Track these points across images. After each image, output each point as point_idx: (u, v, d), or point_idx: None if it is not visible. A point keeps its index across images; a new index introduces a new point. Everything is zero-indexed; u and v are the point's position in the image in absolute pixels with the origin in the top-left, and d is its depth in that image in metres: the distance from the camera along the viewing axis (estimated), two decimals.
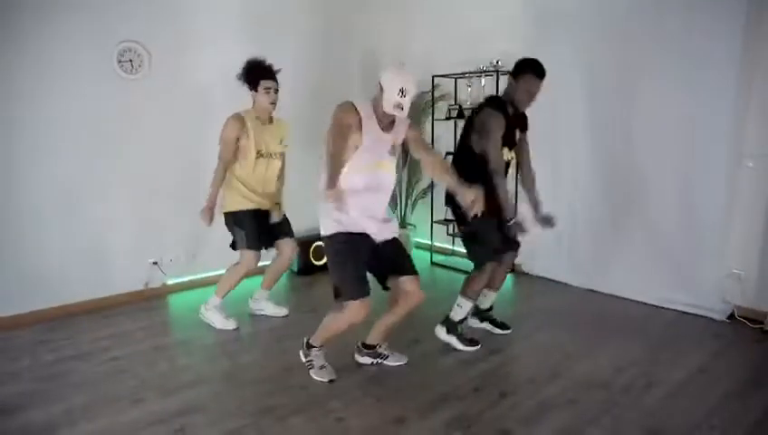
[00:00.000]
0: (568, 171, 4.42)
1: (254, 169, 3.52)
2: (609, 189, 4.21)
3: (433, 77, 4.83)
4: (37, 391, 2.80)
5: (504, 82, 4.42)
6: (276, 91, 3.47)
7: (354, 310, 2.60)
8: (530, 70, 3.06)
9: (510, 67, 4.41)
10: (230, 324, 3.57)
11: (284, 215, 3.76)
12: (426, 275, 4.75)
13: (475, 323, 3.61)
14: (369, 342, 3.03)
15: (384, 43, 5.38)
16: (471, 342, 3.26)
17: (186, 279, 4.45)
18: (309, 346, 2.92)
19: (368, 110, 2.66)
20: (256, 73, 3.42)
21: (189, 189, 4.01)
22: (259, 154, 3.50)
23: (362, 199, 2.65)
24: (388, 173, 2.75)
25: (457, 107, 4.80)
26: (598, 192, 4.27)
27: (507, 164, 3.25)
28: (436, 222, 5.06)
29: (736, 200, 3.68)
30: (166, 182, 4.21)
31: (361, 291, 2.60)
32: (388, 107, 2.55)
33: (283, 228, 3.73)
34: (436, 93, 4.98)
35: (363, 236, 2.69)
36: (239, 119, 3.44)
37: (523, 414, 2.56)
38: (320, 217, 2.73)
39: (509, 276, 4.54)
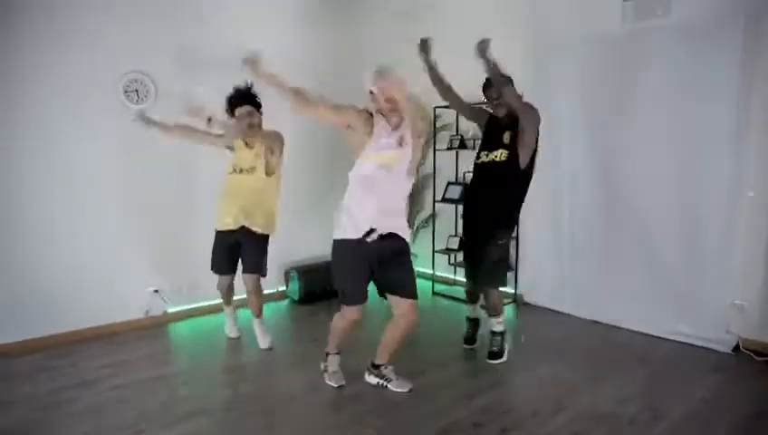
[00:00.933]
0: (568, 201, 4.46)
1: (230, 185, 3.66)
2: (610, 220, 4.24)
3: (435, 108, 4.91)
4: (37, 420, 2.80)
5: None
6: (251, 113, 3.54)
7: (349, 312, 2.97)
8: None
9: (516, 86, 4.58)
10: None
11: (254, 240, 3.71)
12: (427, 305, 4.77)
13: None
14: (376, 362, 3.15)
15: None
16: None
17: (187, 307, 4.46)
18: (326, 354, 3.21)
19: (379, 119, 2.83)
20: (232, 102, 3.57)
21: (192, 217, 4.07)
22: (234, 170, 3.63)
23: (374, 186, 2.81)
24: (397, 163, 2.82)
25: (459, 137, 4.88)
26: (599, 223, 4.31)
27: (490, 164, 3.39)
28: (437, 251, 5.09)
29: (738, 230, 3.69)
30: (169, 210, 4.27)
31: (357, 300, 2.93)
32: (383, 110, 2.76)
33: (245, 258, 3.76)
34: (438, 124, 5.05)
35: (367, 244, 2.82)
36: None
37: None
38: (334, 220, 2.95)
39: (511, 307, 4.62)
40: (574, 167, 4.40)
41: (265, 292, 3.88)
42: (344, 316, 3.01)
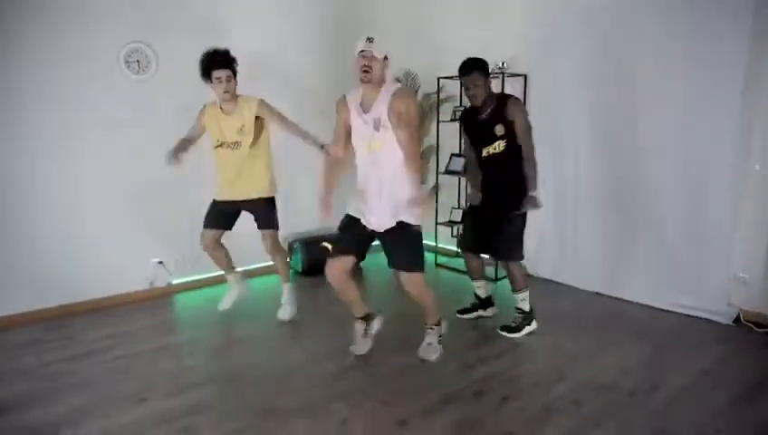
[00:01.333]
0: (571, 174, 4.34)
1: (219, 160, 3.52)
2: (612, 192, 4.13)
3: (438, 79, 4.76)
4: (40, 389, 2.76)
5: (509, 83, 4.39)
6: (229, 78, 3.29)
7: (327, 266, 2.94)
8: (459, 71, 3.30)
9: (516, 69, 4.44)
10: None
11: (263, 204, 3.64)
12: (430, 276, 4.69)
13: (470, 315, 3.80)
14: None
15: (389, 45, 5.29)
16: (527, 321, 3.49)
17: (191, 279, 4.40)
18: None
19: (355, 97, 2.83)
20: (206, 65, 3.29)
21: (195, 188, 3.97)
22: (219, 144, 3.46)
23: (361, 175, 2.91)
24: (379, 151, 2.77)
25: (462, 108, 4.72)
26: (602, 195, 4.20)
27: (492, 157, 3.32)
28: (440, 224, 5.00)
29: (743, 203, 3.58)
30: (172, 181, 4.15)
31: (333, 256, 2.94)
32: (359, 78, 2.69)
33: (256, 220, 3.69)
34: (442, 95, 4.91)
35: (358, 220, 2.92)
36: (201, 109, 3.49)
37: (527, 417, 2.50)
38: None
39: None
40: (576, 139, 4.27)
41: (271, 263, 3.82)
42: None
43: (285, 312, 3.73)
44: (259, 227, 3.64)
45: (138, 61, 3.95)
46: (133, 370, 2.98)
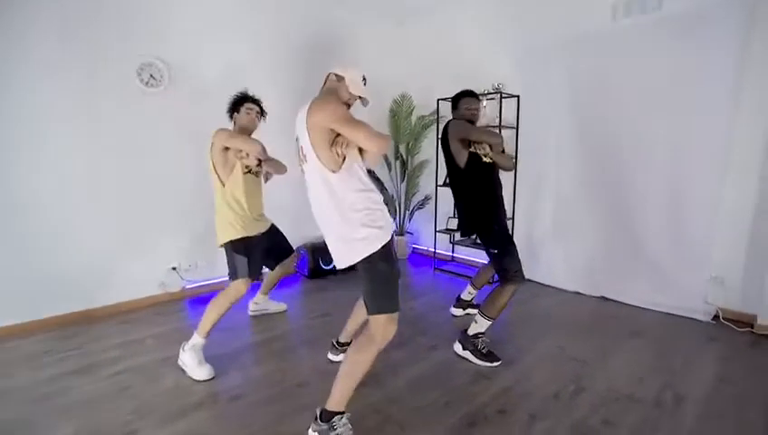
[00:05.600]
0: (562, 185, 3.68)
1: (245, 187, 2.51)
2: (599, 199, 3.46)
3: (438, 100, 4.09)
4: (24, 416, 1.95)
5: (506, 104, 3.73)
6: (258, 115, 2.60)
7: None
8: (462, 96, 2.61)
9: (512, 90, 3.77)
10: (204, 372, 2.24)
11: (278, 230, 2.86)
12: (429, 281, 3.99)
13: (458, 312, 3.12)
14: (342, 340, 2.40)
15: (387, 68, 4.62)
16: (489, 356, 2.44)
17: (204, 283, 3.60)
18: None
19: None
20: (240, 100, 2.59)
21: (207, 196, 3.21)
22: (248, 170, 2.54)
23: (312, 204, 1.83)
24: (311, 184, 1.77)
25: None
26: (588, 202, 3.53)
27: (490, 166, 2.55)
28: (438, 231, 4.28)
29: (721, 205, 2.96)
30: (185, 190, 3.40)
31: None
32: (356, 90, 1.79)
33: (285, 245, 2.91)
34: (441, 114, 4.23)
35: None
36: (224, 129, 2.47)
37: None
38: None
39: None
40: (565, 152, 3.61)
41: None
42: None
43: (280, 305, 3.12)
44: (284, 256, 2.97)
45: (151, 75, 3.18)
46: (133, 387, 2.17)
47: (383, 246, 1.68)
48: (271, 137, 2.76)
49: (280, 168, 2.63)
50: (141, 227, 3.25)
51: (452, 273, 4.16)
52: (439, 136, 2.81)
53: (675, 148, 3.04)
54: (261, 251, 2.60)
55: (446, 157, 2.57)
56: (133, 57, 3.10)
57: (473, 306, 3.10)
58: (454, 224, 4.04)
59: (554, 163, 3.68)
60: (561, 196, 3.67)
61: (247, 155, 2.43)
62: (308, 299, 3.49)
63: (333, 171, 1.65)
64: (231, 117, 2.60)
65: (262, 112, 2.66)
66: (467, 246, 4.02)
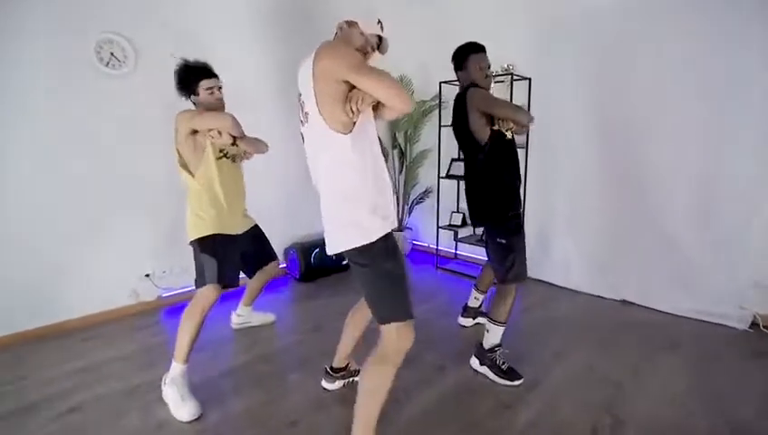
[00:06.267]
0: (579, 178, 3.32)
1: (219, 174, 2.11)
2: (620, 193, 3.12)
3: (440, 83, 3.69)
4: None
5: (517, 87, 3.35)
6: (220, 89, 2.12)
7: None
8: (470, 51, 2.13)
9: (523, 72, 3.39)
10: (187, 412, 1.86)
11: (262, 232, 2.46)
12: (432, 281, 3.65)
13: (467, 322, 2.75)
14: (336, 365, 2.03)
15: (390, 49, 4.19)
16: (509, 374, 2.12)
17: (182, 290, 3.20)
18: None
19: None
20: (192, 76, 2.07)
21: (182, 196, 2.83)
22: (223, 153, 2.13)
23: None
24: (309, 145, 1.49)
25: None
26: (609, 196, 3.18)
27: (512, 142, 2.14)
28: (441, 227, 3.92)
29: (758, 205, 2.62)
30: (157, 187, 3.00)
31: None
32: (372, 28, 1.47)
33: (267, 250, 2.49)
34: (444, 100, 3.84)
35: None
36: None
37: None
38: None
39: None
40: (582, 142, 3.25)
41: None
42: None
43: (267, 316, 2.72)
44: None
45: (112, 53, 2.75)
46: (87, 430, 1.80)
47: (385, 238, 1.39)
48: (245, 115, 2.33)
49: (260, 145, 2.19)
50: (107, 230, 2.85)
51: (456, 272, 3.81)
52: (450, 107, 2.37)
53: (708, 133, 2.70)
54: (237, 254, 2.21)
55: (459, 132, 2.17)
56: (92, 32, 2.66)
57: (482, 314, 2.77)
58: (458, 219, 3.70)
59: (569, 151, 3.32)
60: (577, 187, 3.32)
61: (220, 134, 2.02)
62: (298, 307, 3.13)
63: (342, 134, 1.35)
64: (188, 98, 2.11)
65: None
66: (472, 243, 3.67)
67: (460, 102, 2.13)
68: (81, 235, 2.75)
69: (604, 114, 3.11)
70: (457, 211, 3.84)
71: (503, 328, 2.16)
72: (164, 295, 3.14)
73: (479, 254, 4.06)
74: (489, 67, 2.14)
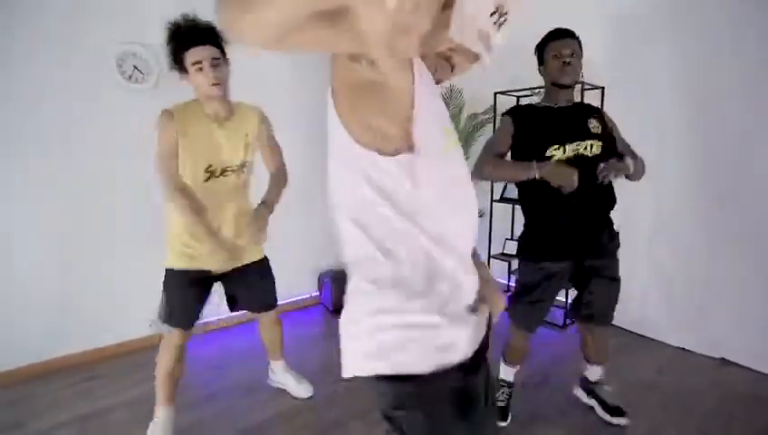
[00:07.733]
0: (653, 194, 2.78)
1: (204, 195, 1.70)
2: (710, 215, 2.54)
3: (495, 94, 3.26)
4: None
5: (587, 98, 2.84)
6: (217, 60, 1.56)
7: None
8: (548, 39, 1.78)
9: (590, 79, 2.89)
10: None
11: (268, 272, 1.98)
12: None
13: (582, 395, 2.12)
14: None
15: None
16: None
17: (210, 318, 2.92)
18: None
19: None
20: (178, 44, 1.54)
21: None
22: (209, 172, 1.69)
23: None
24: None
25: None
26: (697, 219, 2.60)
27: (578, 161, 1.67)
28: (493, 257, 3.41)
29: None
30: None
31: None
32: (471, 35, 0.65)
33: (263, 297, 2.01)
34: (489, 114, 3.40)
35: None
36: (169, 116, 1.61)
37: None
38: None
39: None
40: (659, 151, 2.71)
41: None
42: None
43: (304, 387, 2.20)
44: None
45: (135, 66, 2.56)
46: None
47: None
48: (278, 134, 2.02)
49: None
50: (125, 252, 2.64)
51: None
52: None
53: None
54: (198, 295, 1.77)
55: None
56: (112, 44, 2.47)
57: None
58: (512, 247, 3.21)
59: (653, 173, 2.75)
60: (662, 217, 2.76)
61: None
62: (329, 346, 2.78)
63: (386, 154, 0.68)
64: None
65: (223, 53, 1.61)
66: None
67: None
68: (89, 258, 2.55)
69: (702, 127, 2.55)
70: (511, 238, 3.36)
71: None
72: None
73: None
74: (573, 54, 1.70)
